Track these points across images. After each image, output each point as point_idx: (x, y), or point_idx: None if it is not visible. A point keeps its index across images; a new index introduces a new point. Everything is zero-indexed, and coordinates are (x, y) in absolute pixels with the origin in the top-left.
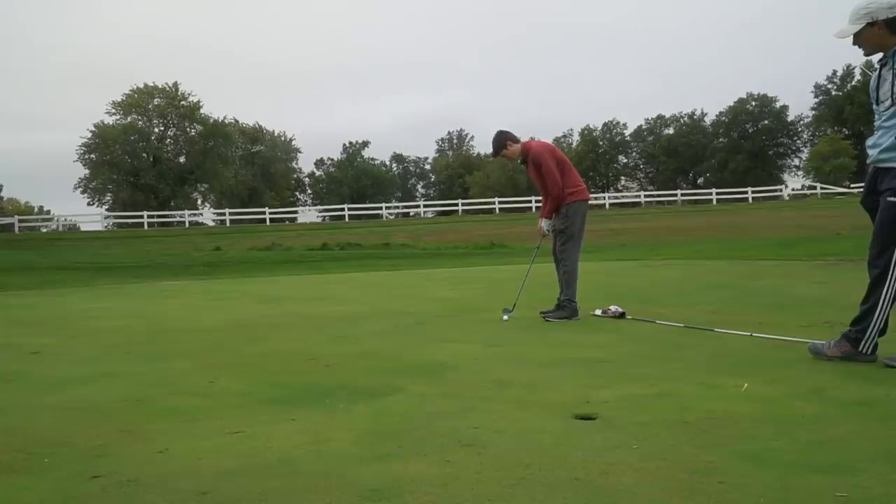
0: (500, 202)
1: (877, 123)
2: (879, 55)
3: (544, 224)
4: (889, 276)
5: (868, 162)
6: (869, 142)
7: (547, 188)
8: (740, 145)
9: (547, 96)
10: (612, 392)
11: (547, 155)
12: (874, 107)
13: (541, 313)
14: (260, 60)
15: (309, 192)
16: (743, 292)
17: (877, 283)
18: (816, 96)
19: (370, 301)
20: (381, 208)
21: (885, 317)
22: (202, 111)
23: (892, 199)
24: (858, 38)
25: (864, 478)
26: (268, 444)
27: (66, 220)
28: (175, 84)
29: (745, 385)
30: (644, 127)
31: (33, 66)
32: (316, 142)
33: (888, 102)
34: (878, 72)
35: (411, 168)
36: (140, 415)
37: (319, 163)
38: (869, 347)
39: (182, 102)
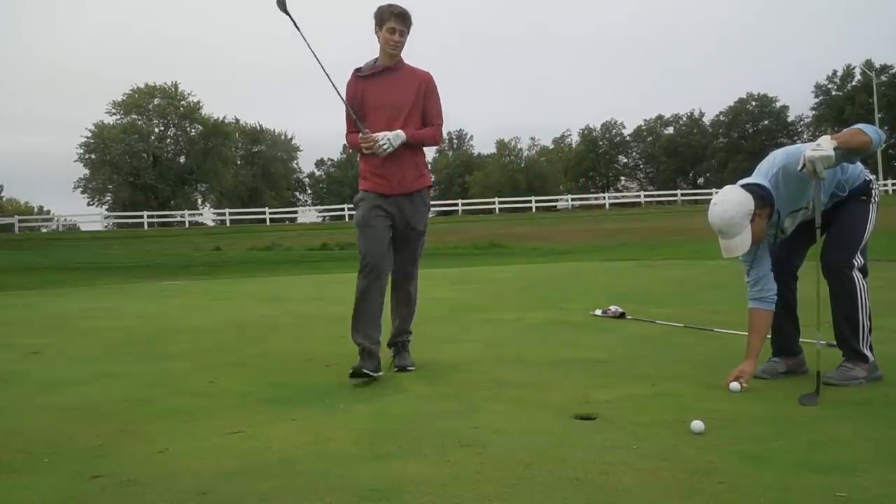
0: (500, 202)
1: (795, 218)
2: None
3: (392, 138)
4: (861, 280)
5: (818, 225)
6: (786, 223)
7: (431, 120)
8: (740, 145)
9: (543, 97)
10: (612, 392)
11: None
12: (782, 231)
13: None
14: (260, 61)
15: (309, 192)
16: (743, 292)
17: (849, 286)
18: (816, 96)
19: None
20: None
21: (869, 315)
22: (202, 111)
23: (863, 197)
24: (753, 238)
25: (864, 478)
26: (268, 444)
27: (66, 220)
28: (175, 84)
29: (745, 385)
30: (644, 127)
31: (33, 66)
32: (316, 142)
33: (804, 210)
34: (775, 227)
35: None
36: (140, 415)
37: (319, 163)
38: (871, 353)
39: (182, 102)
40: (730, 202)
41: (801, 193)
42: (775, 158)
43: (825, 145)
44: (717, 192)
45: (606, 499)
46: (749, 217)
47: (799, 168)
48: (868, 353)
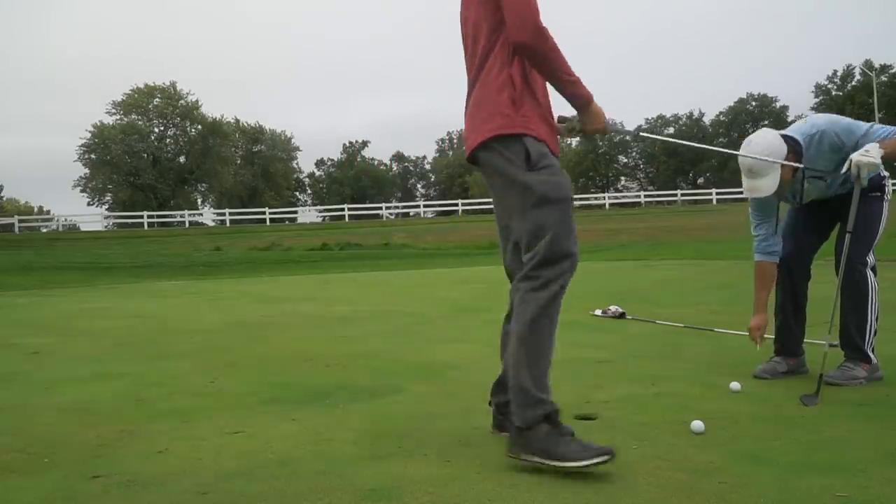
0: None
1: (814, 185)
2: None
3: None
4: (873, 279)
5: (850, 230)
6: (806, 185)
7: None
8: (740, 145)
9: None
10: (612, 392)
11: None
12: (799, 196)
13: None
14: (260, 61)
15: (309, 192)
16: (743, 292)
17: (862, 284)
18: (816, 96)
19: (370, 301)
20: (380, 208)
21: (877, 316)
22: (202, 111)
23: (876, 193)
24: (781, 180)
25: (863, 478)
26: (268, 444)
27: (65, 220)
28: (173, 84)
29: (744, 384)
30: (644, 127)
31: (34, 66)
32: (316, 142)
33: (823, 182)
34: (799, 185)
35: (411, 168)
36: (140, 415)
37: (320, 163)
38: (873, 354)
39: (181, 102)
40: (766, 141)
41: (828, 162)
42: (816, 121)
43: (874, 152)
44: (716, 193)
45: (606, 499)
46: (781, 160)
47: (843, 170)
48: (870, 353)
